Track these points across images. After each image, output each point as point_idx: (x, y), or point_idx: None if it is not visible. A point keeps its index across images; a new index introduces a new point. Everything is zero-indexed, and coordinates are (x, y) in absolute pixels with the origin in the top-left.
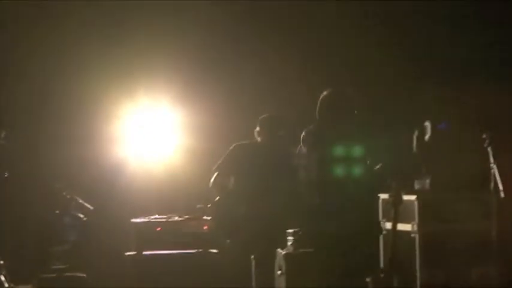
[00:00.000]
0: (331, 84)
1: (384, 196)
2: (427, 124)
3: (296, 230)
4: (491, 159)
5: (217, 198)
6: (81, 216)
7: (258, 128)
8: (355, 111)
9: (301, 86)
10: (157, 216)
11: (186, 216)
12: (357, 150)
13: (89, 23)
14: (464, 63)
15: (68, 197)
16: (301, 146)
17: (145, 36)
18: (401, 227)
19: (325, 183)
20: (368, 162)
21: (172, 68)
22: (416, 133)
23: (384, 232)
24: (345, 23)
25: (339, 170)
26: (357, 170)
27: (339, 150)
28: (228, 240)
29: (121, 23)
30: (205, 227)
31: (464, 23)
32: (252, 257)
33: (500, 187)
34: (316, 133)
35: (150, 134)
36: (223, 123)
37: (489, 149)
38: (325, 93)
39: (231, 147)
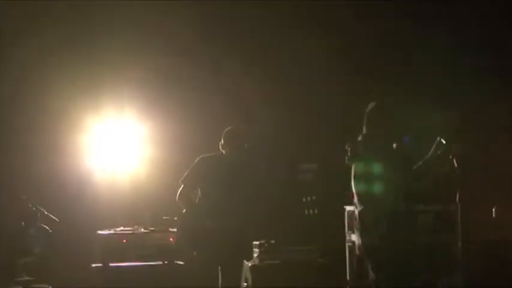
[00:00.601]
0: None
1: (349, 208)
2: None
3: (262, 242)
4: (456, 172)
5: (184, 210)
6: (47, 227)
7: (222, 141)
8: (395, 124)
9: (265, 99)
10: (123, 228)
11: (152, 228)
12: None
13: (54, 35)
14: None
15: (34, 208)
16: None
17: (111, 49)
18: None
19: (363, 195)
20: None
21: (138, 81)
22: None
23: (349, 244)
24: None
25: (378, 184)
26: (396, 183)
27: (379, 165)
28: (195, 252)
29: (88, 36)
30: (171, 239)
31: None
32: (219, 268)
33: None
34: (360, 146)
35: (116, 146)
36: (187, 135)
37: (454, 161)
38: (369, 107)
39: (195, 160)
